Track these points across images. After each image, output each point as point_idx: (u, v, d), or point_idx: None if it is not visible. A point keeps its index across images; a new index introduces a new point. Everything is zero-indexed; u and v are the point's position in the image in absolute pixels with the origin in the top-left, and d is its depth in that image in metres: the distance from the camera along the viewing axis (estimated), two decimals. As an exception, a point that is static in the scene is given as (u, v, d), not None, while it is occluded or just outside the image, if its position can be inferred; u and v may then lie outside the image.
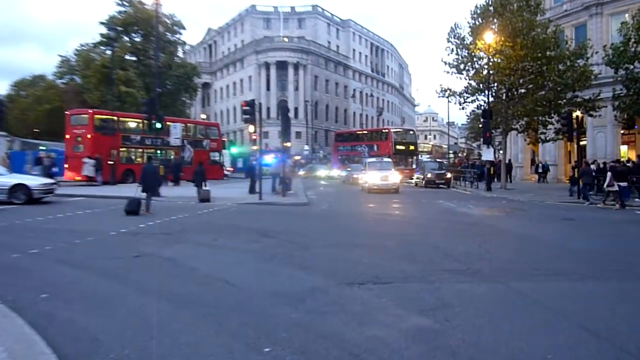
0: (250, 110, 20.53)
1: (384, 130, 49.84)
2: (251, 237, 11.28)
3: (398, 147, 44.89)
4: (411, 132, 50.60)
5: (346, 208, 19.25)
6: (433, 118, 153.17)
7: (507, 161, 34.08)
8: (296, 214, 16.86)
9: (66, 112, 32.23)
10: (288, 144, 25.12)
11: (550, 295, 6.69)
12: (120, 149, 31.22)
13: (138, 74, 47.15)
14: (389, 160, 30.69)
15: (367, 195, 25.38)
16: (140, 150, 32.08)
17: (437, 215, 16.64)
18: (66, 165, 30.12)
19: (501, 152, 43.28)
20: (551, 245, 11.00)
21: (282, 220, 14.95)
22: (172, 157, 32.43)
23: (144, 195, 15.75)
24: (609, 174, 20.02)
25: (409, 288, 6.94)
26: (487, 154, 30.41)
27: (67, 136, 30.95)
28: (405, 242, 10.95)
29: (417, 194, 26.13)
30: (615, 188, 19.53)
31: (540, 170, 37.02)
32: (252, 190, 22.69)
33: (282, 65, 77.22)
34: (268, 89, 77.32)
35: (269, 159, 29.40)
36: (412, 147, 46.33)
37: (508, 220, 15.78)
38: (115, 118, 31.65)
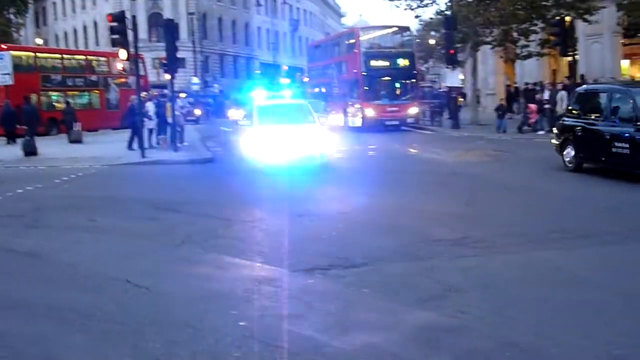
0: (120, 28, 19.68)
1: (349, 38, 35.51)
2: (144, 212, 11.07)
3: (374, 62, 32.24)
4: (405, 35, 35.14)
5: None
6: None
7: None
8: (200, 175, 16.76)
9: None
10: (170, 76, 24.13)
11: (591, 265, 6.96)
12: (40, 93, 33.98)
13: None
14: None
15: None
16: (62, 92, 36.03)
17: (401, 166, 16.98)
18: None
19: (461, 75, 44.12)
20: (562, 198, 11.34)
21: (183, 185, 14.85)
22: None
23: None
24: None
25: (395, 271, 6.94)
26: (453, 79, 30.90)
27: None
28: (370, 205, 11.01)
29: (363, 138, 26.33)
30: None
31: None
32: (132, 146, 21.79)
33: (151, -39, 74.14)
34: (133, -3, 74.24)
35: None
36: (405, 62, 33.00)
37: (495, 167, 16.30)
38: (33, 54, 36.05)
